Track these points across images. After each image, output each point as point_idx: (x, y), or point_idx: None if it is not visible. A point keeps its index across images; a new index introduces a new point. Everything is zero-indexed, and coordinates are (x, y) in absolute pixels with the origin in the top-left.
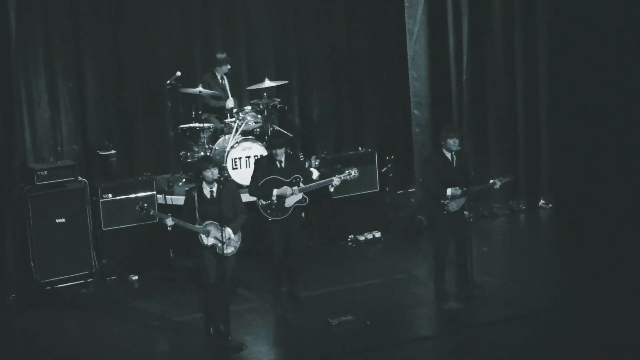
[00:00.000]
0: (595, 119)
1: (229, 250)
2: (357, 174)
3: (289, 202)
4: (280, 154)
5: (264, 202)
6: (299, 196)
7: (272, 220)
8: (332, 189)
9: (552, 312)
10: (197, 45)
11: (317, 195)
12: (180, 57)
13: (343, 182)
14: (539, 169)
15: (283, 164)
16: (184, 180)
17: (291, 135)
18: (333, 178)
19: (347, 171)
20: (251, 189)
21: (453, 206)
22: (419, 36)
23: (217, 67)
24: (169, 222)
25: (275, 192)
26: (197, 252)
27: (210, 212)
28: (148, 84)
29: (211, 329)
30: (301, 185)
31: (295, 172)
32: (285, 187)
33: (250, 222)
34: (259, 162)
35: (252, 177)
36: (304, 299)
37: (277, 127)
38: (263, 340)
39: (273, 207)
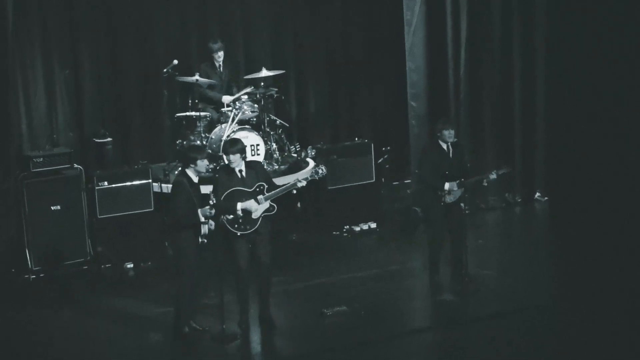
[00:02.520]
0: (592, 112)
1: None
2: (324, 171)
3: (257, 213)
4: (236, 162)
5: (229, 217)
6: (266, 205)
7: (240, 235)
8: (295, 192)
9: (546, 306)
10: (193, 34)
11: (313, 186)
12: (177, 45)
13: (311, 180)
14: (535, 162)
15: (244, 173)
16: (179, 168)
17: (287, 125)
18: (297, 182)
19: (313, 169)
20: (215, 205)
21: (449, 198)
22: (417, 28)
23: (212, 55)
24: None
25: (239, 206)
26: (179, 243)
27: (199, 201)
28: (145, 72)
29: (185, 328)
30: (266, 193)
31: (257, 180)
32: (250, 200)
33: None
34: (217, 174)
35: (213, 191)
36: (299, 290)
37: (273, 117)
38: (257, 330)
39: (240, 220)
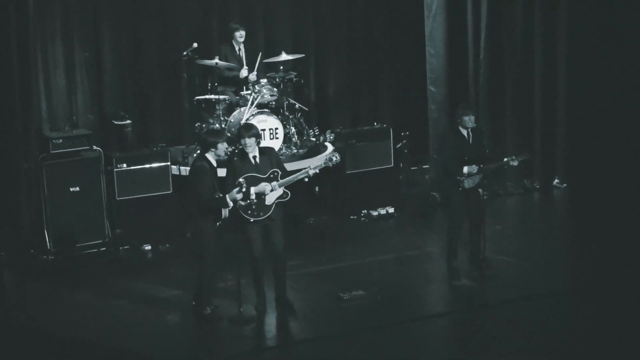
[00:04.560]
0: (614, 97)
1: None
2: (338, 159)
3: (270, 199)
4: (251, 147)
5: (242, 203)
6: (280, 191)
7: (253, 221)
8: (307, 180)
9: (564, 292)
10: (214, 17)
11: (331, 170)
12: (197, 28)
13: (325, 168)
14: (554, 148)
15: (257, 159)
16: (198, 151)
17: (306, 109)
18: (308, 169)
19: (327, 157)
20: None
21: (469, 183)
22: (437, 12)
23: (232, 36)
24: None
25: (252, 190)
26: (200, 225)
27: (218, 185)
28: (165, 55)
29: (207, 309)
30: (280, 180)
31: (270, 166)
32: (263, 183)
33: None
34: (231, 160)
35: (225, 180)
36: (316, 274)
37: (292, 101)
38: (273, 313)
39: (253, 206)
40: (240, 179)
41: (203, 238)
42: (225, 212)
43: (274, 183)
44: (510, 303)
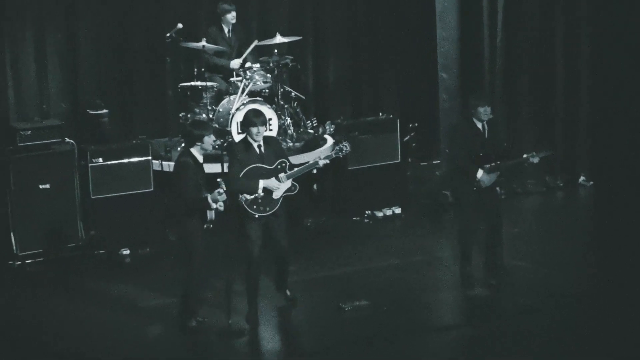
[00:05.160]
0: None
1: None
2: (348, 148)
3: (278, 192)
4: (260, 135)
5: (248, 197)
6: (288, 184)
7: (259, 217)
8: (315, 172)
9: (588, 301)
10: None
11: (331, 166)
12: (182, 7)
13: (335, 158)
14: (579, 142)
15: (262, 149)
16: (182, 144)
17: (303, 98)
18: (318, 159)
19: (337, 147)
20: (233, 183)
21: (484, 182)
22: None
23: (222, 17)
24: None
25: (261, 184)
26: (188, 227)
27: (204, 182)
28: (146, 37)
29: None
30: (287, 171)
31: (277, 156)
32: (272, 178)
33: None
34: (233, 149)
35: (229, 171)
36: (314, 282)
37: (287, 88)
38: (267, 325)
39: (259, 201)
40: (219, 179)
41: (189, 241)
42: (210, 214)
43: (282, 175)
44: (529, 314)
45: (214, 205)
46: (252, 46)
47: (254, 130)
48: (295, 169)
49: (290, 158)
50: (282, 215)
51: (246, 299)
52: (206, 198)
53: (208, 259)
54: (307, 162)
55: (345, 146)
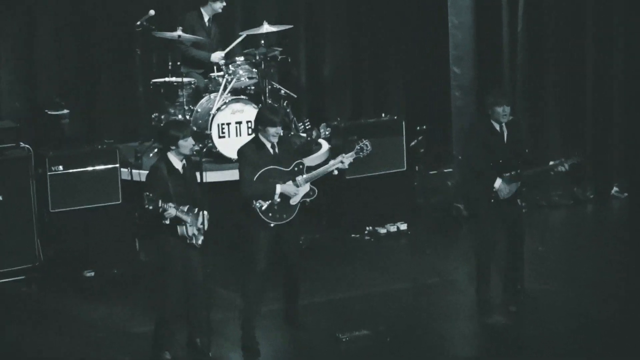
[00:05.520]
0: None
1: (201, 239)
2: (369, 147)
3: (296, 197)
4: (278, 136)
5: (263, 204)
6: (306, 187)
7: (274, 225)
8: (336, 173)
9: (621, 328)
10: None
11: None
12: None
13: (355, 160)
14: (612, 147)
15: (277, 149)
16: (155, 150)
17: (295, 96)
18: (341, 158)
19: (357, 146)
20: (247, 189)
21: (503, 192)
22: None
23: (205, 4)
24: (172, 212)
25: (278, 189)
26: (162, 245)
27: (183, 192)
28: (113, 26)
29: (166, 353)
30: (305, 173)
31: (292, 157)
32: (289, 182)
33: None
34: (244, 152)
35: (242, 175)
36: (308, 308)
37: (276, 85)
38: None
39: (275, 207)
40: (146, 194)
41: (164, 260)
42: (181, 230)
43: (300, 178)
44: (554, 345)
45: (185, 218)
46: (239, 39)
47: (272, 130)
48: (314, 171)
49: None
50: (296, 225)
51: (241, 320)
52: (167, 210)
53: (192, 280)
54: (328, 163)
55: (366, 145)
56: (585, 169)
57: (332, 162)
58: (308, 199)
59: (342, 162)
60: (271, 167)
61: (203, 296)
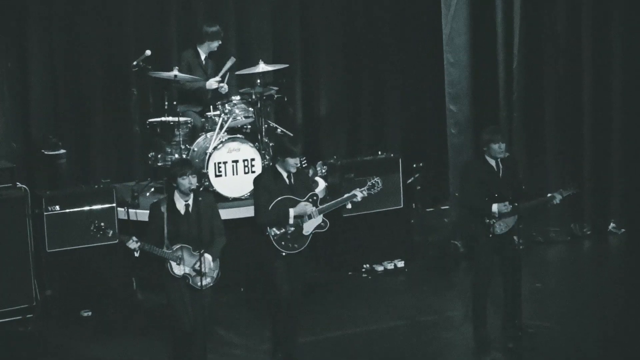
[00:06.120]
0: None
1: (206, 281)
2: (380, 185)
3: (308, 227)
4: (296, 165)
5: (277, 232)
6: (319, 219)
7: (286, 254)
8: (349, 206)
9: None
10: (173, 17)
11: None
12: (151, 31)
13: (367, 196)
14: (609, 183)
15: (292, 179)
16: (152, 189)
17: (291, 135)
18: (356, 192)
19: (369, 182)
20: (262, 216)
21: (500, 228)
22: (459, 9)
23: (202, 43)
24: (132, 245)
25: (292, 212)
26: (164, 285)
27: (184, 232)
28: (109, 66)
29: None
30: (319, 205)
31: (307, 188)
32: (302, 203)
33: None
34: (260, 181)
35: (258, 203)
36: (303, 346)
37: (273, 124)
38: None
39: (288, 236)
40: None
41: (167, 301)
42: (168, 268)
43: (314, 210)
44: None
45: (168, 258)
46: (229, 63)
47: (292, 161)
48: (328, 203)
49: None
50: (306, 256)
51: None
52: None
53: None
54: (343, 196)
55: (377, 182)
56: (583, 205)
57: (346, 195)
58: (321, 230)
59: (355, 195)
60: (286, 196)
61: (203, 340)
